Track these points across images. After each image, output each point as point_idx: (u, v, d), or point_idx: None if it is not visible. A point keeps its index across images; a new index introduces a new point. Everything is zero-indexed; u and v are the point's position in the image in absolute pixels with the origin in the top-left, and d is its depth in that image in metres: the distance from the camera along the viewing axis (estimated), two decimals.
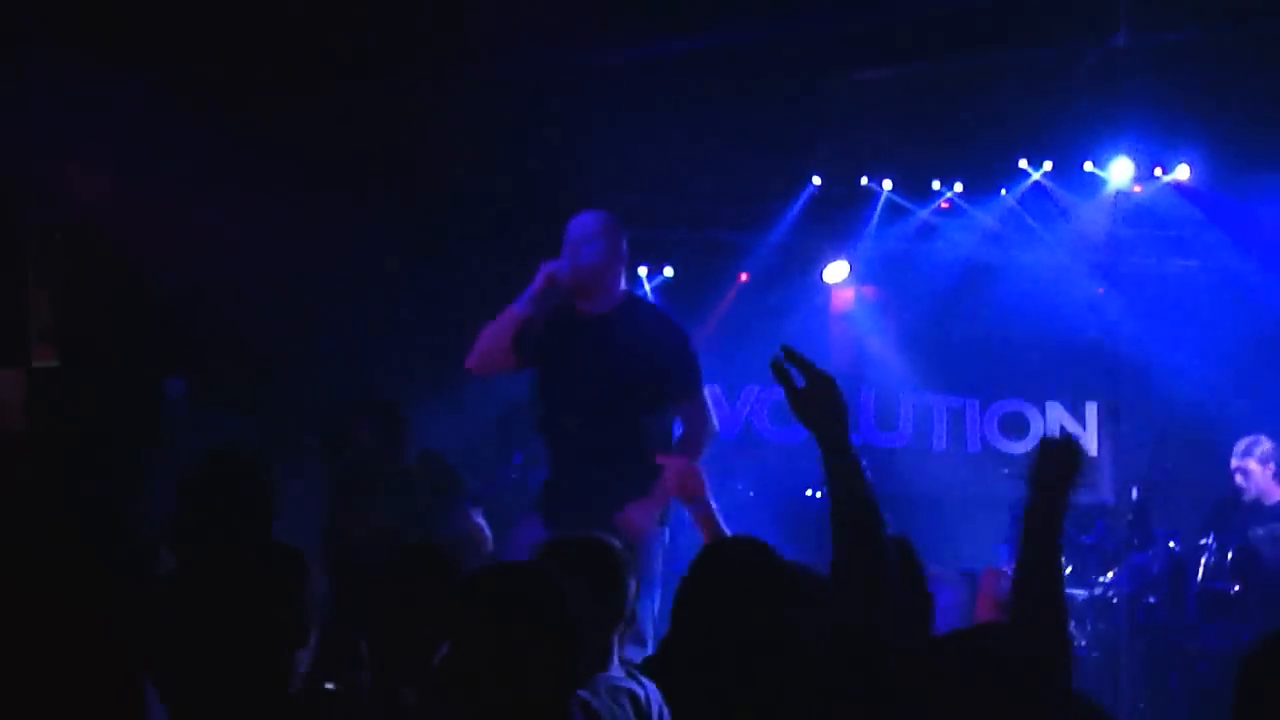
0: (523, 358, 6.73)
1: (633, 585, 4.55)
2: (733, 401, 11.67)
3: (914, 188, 11.03)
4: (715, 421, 6.79)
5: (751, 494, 10.68)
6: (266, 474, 5.18)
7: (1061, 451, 3.82)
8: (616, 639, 4.39)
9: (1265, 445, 9.50)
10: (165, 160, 8.92)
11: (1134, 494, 9.90)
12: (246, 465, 5.19)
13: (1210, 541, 9.34)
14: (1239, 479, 9.53)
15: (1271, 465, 9.46)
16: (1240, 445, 9.54)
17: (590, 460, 6.54)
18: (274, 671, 4.10)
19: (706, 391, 6.73)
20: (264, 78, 8.82)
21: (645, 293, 11.38)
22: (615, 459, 6.49)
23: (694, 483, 5.31)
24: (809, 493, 10.07)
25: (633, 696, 4.21)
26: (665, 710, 4.16)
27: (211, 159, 8.92)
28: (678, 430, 6.75)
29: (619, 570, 4.49)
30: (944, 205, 11.21)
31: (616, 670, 4.30)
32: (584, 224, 6.64)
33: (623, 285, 6.81)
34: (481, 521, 8.13)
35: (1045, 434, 11.62)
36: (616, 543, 4.66)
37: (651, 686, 4.22)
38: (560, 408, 6.71)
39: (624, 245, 6.74)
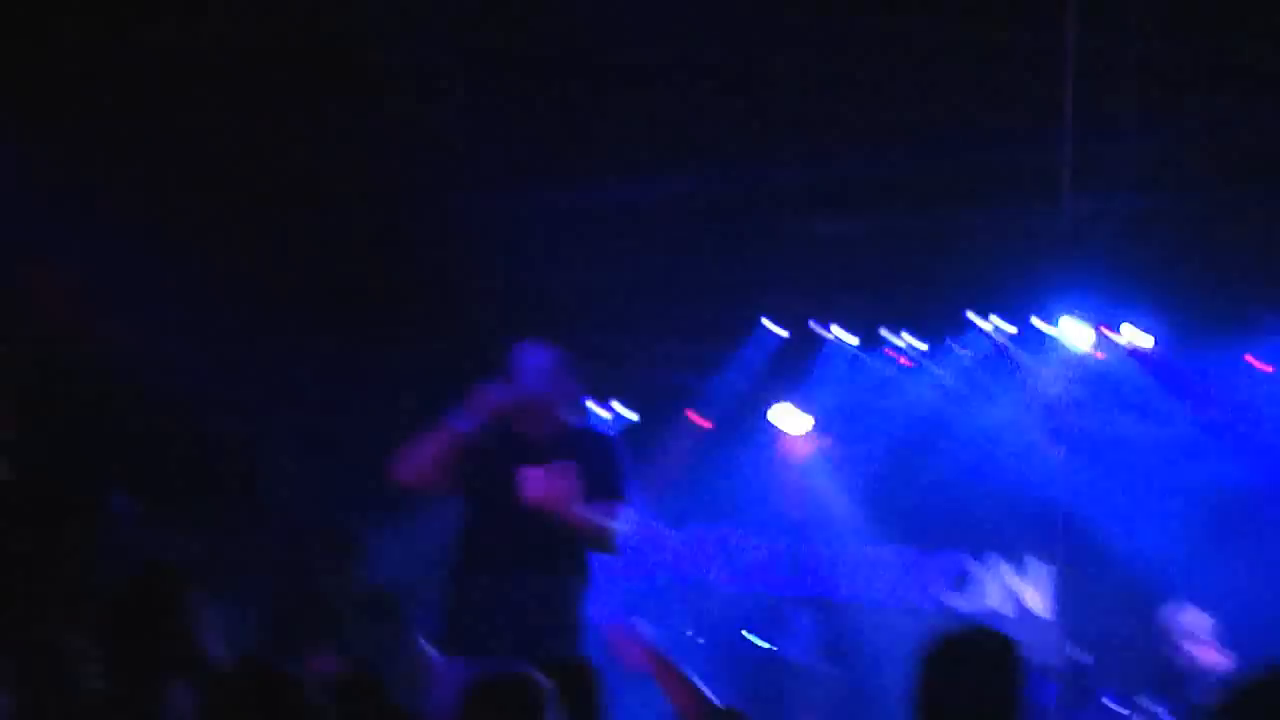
0: (455, 479, 6.71)
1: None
2: (686, 545, 11.68)
3: (872, 339, 11.11)
4: (622, 540, 6.74)
5: (700, 640, 10.69)
6: (189, 589, 5.17)
7: None
8: None
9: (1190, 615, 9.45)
10: (126, 276, 8.99)
11: (1078, 655, 9.88)
12: (168, 580, 5.20)
13: (1152, 706, 9.28)
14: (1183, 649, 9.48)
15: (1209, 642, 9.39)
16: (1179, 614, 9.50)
17: (524, 577, 6.54)
18: None
19: (629, 507, 6.76)
20: (222, 195, 8.90)
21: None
22: (550, 575, 6.56)
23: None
24: (745, 635, 10.09)
25: None
26: None
27: (171, 276, 8.99)
28: None
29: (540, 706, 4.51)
30: (904, 361, 11.27)
31: None
32: (540, 358, 6.72)
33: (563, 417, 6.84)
34: (430, 649, 8.13)
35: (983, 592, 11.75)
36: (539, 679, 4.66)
37: None
38: (493, 525, 6.66)
39: (573, 384, 6.84)
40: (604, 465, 6.70)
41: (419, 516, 9.09)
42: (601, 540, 6.66)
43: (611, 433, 7.94)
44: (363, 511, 9.14)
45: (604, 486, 6.65)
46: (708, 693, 5.16)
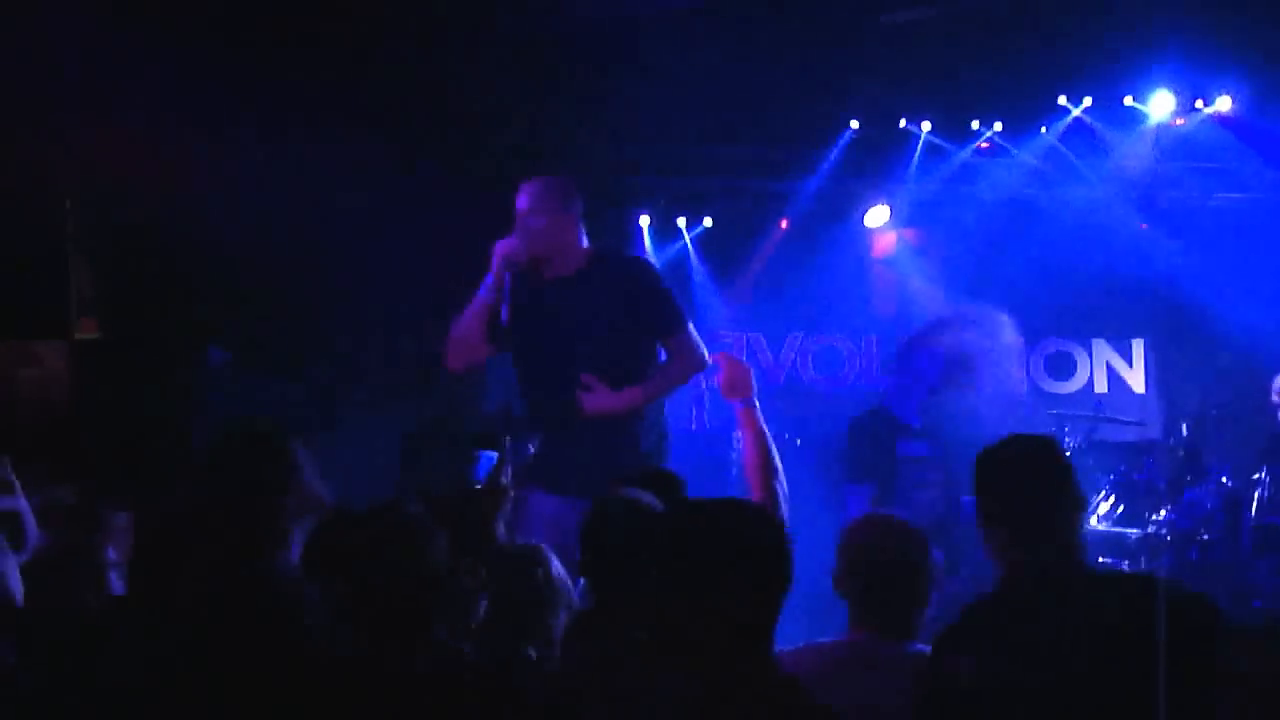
0: (498, 341, 6.61)
1: None
2: (776, 350, 11.65)
3: (953, 129, 10.91)
4: (704, 354, 6.62)
5: (797, 440, 10.66)
6: (286, 442, 5.15)
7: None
8: None
9: None
10: (199, 125, 8.88)
11: (1184, 430, 9.82)
12: (264, 435, 5.18)
13: (1264, 476, 9.22)
14: None
15: None
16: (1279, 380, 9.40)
17: (575, 421, 6.43)
18: None
19: (691, 327, 6.61)
20: (287, 34, 8.75)
21: (686, 244, 11.38)
22: (606, 419, 6.44)
23: (741, 379, 5.42)
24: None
25: None
26: None
27: (245, 120, 8.89)
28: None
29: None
30: (983, 145, 11.10)
31: None
32: (530, 193, 6.53)
33: (584, 243, 6.63)
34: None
35: (1091, 373, 11.70)
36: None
37: None
38: (540, 376, 6.60)
39: (576, 205, 6.59)
40: (636, 291, 6.54)
41: None
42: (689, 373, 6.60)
43: (640, 254, 7.61)
44: None
45: (648, 320, 6.54)
46: (775, 454, 5.26)
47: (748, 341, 11.55)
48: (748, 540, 3.51)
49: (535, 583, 4.80)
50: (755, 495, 5.21)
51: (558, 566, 4.89)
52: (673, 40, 9.48)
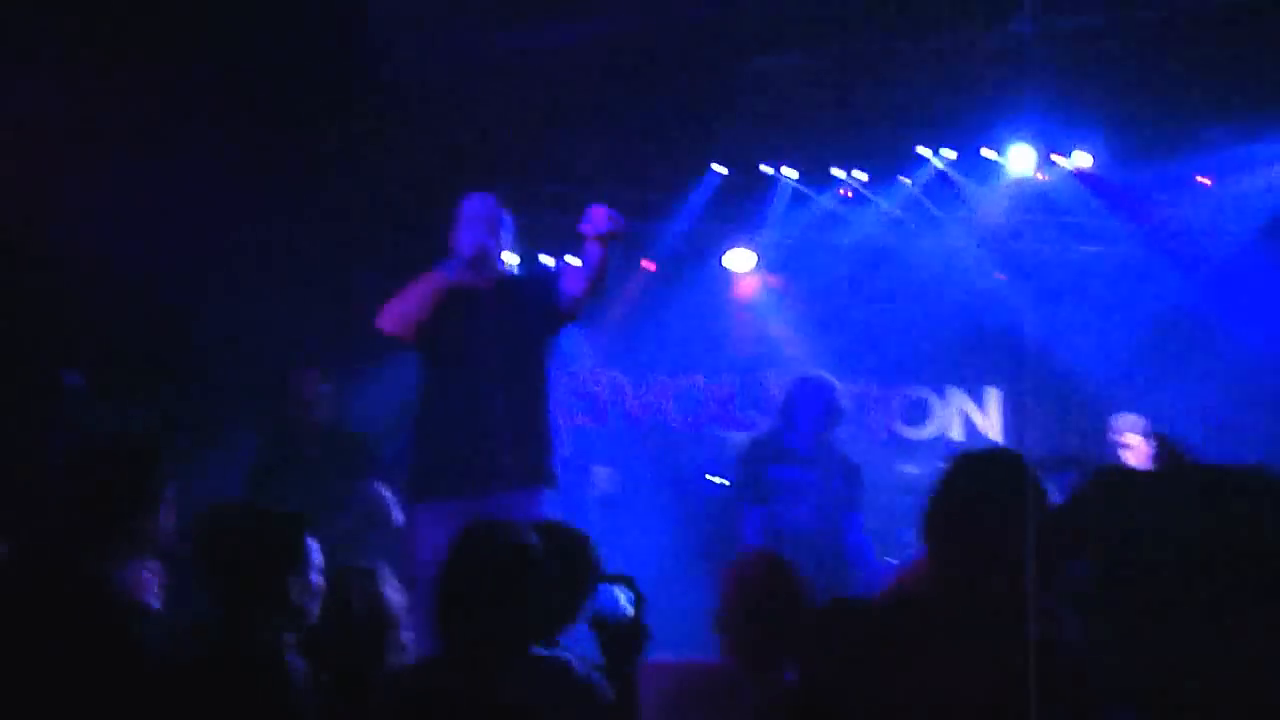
0: (421, 327, 6.84)
1: None
2: (638, 390, 11.69)
3: (816, 175, 11.06)
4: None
5: (654, 480, 10.76)
6: (151, 460, 5.11)
7: None
8: None
9: (1143, 422, 9.55)
10: (53, 139, 8.77)
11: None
12: (131, 450, 5.14)
13: None
14: (1123, 454, 9.58)
15: (1151, 442, 9.49)
16: (1121, 420, 9.57)
17: (499, 413, 6.69)
18: None
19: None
20: (159, 44, 8.65)
21: None
22: (524, 404, 6.77)
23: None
24: (708, 477, 10.20)
25: None
26: None
27: (105, 133, 8.77)
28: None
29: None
30: (846, 193, 11.25)
31: None
32: (480, 202, 7.01)
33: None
34: (386, 493, 8.19)
35: (946, 420, 11.86)
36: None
37: None
38: (462, 372, 6.82)
39: (509, 227, 7.15)
40: (549, 279, 7.09)
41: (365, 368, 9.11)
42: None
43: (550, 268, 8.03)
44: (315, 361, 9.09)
45: (556, 280, 7.01)
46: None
47: (611, 380, 11.58)
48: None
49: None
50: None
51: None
52: (540, 79, 9.54)
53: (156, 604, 5.04)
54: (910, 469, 10.81)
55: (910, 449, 11.43)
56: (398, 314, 6.84)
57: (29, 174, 8.67)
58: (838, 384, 8.92)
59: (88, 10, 8.40)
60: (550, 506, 6.62)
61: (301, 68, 9.14)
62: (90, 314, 9.19)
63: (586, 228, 6.68)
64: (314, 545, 4.57)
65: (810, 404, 8.73)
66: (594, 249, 6.70)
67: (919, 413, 11.92)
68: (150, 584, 5.07)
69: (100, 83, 8.53)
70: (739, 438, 10.42)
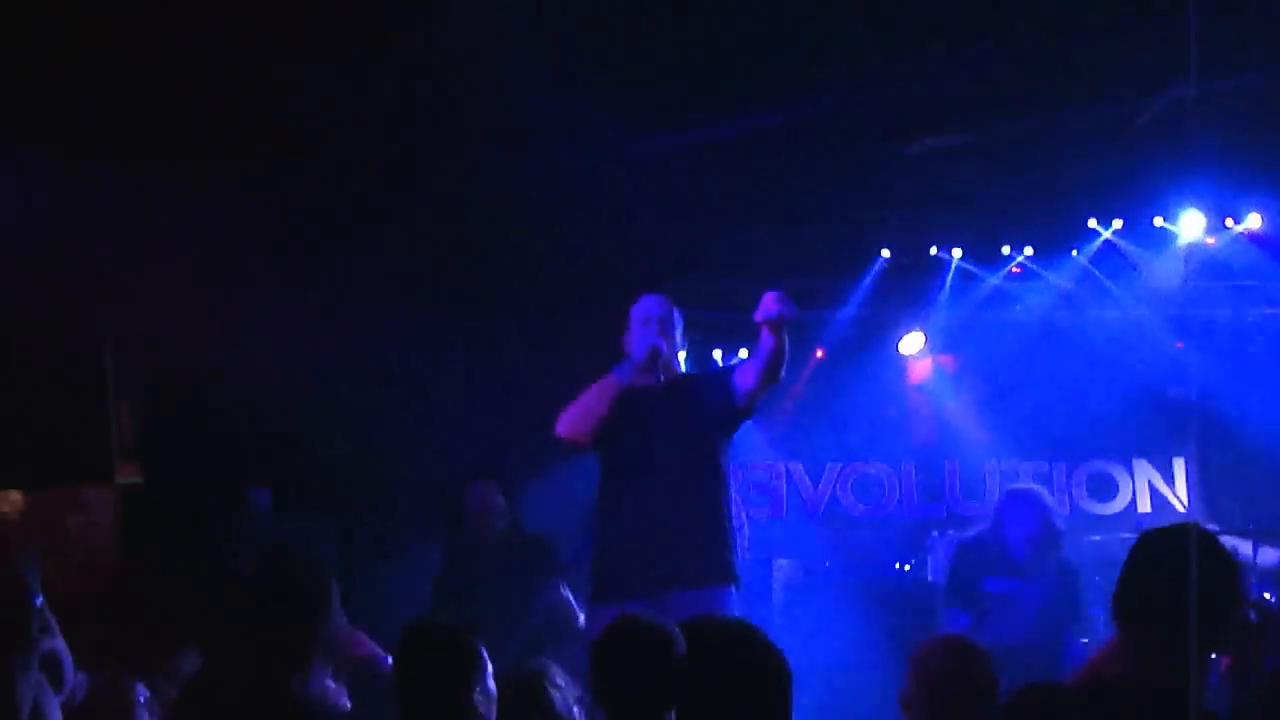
0: (597, 432, 6.87)
1: None
2: (816, 480, 11.65)
3: (983, 254, 11.00)
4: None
5: (837, 570, 10.68)
6: (318, 572, 5.19)
7: None
8: None
9: None
10: (237, 265, 9.01)
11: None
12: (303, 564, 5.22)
13: None
14: None
15: None
16: None
17: (677, 513, 6.69)
18: None
19: None
20: (327, 176, 8.86)
21: None
22: (702, 502, 6.76)
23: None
24: (897, 565, 10.07)
25: None
26: None
27: (283, 261, 9.00)
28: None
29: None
30: (1015, 270, 11.16)
31: None
32: (661, 303, 7.04)
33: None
34: (569, 595, 8.21)
35: (1133, 494, 11.63)
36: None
37: None
38: (638, 473, 6.80)
39: (681, 328, 7.19)
40: (724, 387, 6.95)
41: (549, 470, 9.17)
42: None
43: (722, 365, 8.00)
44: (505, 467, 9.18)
45: (731, 374, 6.97)
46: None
47: (787, 471, 11.56)
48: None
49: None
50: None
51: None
52: (703, 175, 9.60)
53: (348, 705, 5.12)
54: (1098, 542, 10.58)
55: (1096, 524, 11.20)
56: (575, 419, 6.87)
57: (227, 308, 8.93)
58: (1047, 495, 8.66)
59: (278, 147, 8.63)
60: (732, 603, 6.58)
61: (465, 176, 9.30)
62: (279, 436, 9.38)
63: (760, 315, 6.60)
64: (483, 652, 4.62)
65: (1021, 520, 8.43)
66: (768, 336, 6.63)
67: (1105, 487, 11.72)
68: (338, 692, 5.14)
69: (289, 221, 8.79)
70: (937, 538, 10.31)
